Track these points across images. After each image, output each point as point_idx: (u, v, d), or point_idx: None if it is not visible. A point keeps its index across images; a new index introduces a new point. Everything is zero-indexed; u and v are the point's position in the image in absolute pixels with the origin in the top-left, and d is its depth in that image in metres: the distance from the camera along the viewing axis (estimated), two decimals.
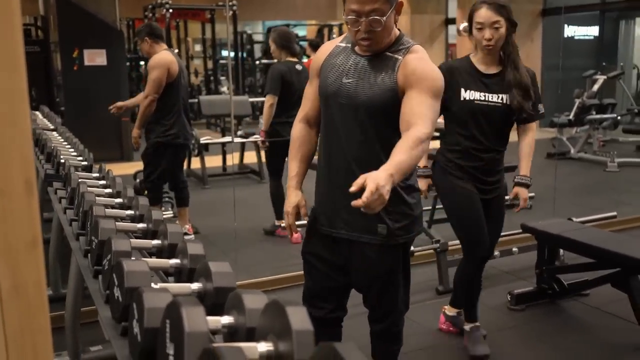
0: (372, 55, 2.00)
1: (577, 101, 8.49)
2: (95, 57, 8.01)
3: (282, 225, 4.53)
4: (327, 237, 2.13)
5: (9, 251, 0.80)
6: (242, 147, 7.57)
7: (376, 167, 1.71)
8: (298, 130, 2.20)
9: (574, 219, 4.12)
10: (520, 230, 3.79)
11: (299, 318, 1.05)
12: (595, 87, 8.91)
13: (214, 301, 1.33)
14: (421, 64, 1.95)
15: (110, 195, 2.42)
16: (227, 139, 7.49)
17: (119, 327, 1.35)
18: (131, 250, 1.55)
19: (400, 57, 1.96)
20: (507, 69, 2.74)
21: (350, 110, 1.99)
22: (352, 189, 1.61)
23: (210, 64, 13.63)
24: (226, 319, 1.18)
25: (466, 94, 2.74)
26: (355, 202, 1.59)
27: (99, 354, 2.79)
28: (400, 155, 1.74)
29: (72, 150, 3.57)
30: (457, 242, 4.23)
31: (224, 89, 13.39)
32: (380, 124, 1.96)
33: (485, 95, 2.73)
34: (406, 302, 2.23)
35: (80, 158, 3.41)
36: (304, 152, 2.18)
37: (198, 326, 0.98)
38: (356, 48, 2.04)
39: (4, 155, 0.78)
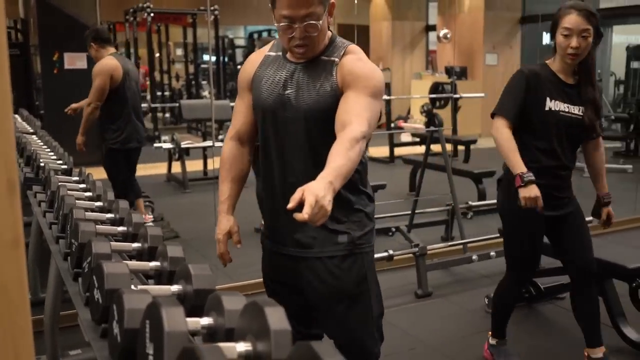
0: (307, 62, 1.86)
1: None
2: (76, 61, 7.96)
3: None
4: (283, 258, 1.98)
5: None
6: None
7: None
8: (228, 149, 2.02)
9: None
10: (498, 235, 3.84)
11: (277, 318, 1.07)
12: None
13: (194, 303, 1.35)
14: (358, 64, 1.82)
15: (90, 199, 2.42)
16: (208, 143, 7.49)
17: (98, 329, 1.36)
18: (111, 253, 1.56)
19: (336, 59, 1.84)
20: (584, 82, 2.61)
21: (293, 123, 1.85)
22: (290, 205, 1.49)
23: (191, 68, 13.61)
24: (205, 320, 1.19)
25: (551, 104, 2.57)
26: (297, 216, 1.47)
27: (78, 358, 2.78)
28: (338, 159, 1.61)
29: (52, 153, 3.56)
30: (437, 245, 4.30)
31: (205, 93, 13.38)
32: (326, 131, 1.78)
33: (568, 107, 2.58)
34: (379, 329, 2.01)
35: (60, 162, 3.40)
36: (235, 173, 2.01)
37: (178, 326, 0.99)
38: (288, 55, 1.90)
39: None
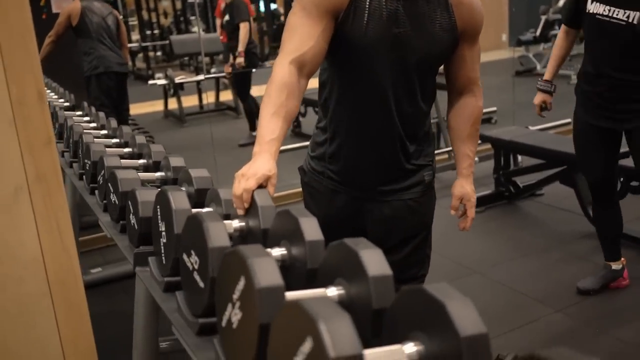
0: None
1: (543, 18, 8.67)
2: (63, 4, 7.98)
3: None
4: (354, 201, 1.73)
5: (31, 148, 1.05)
6: (217, 85, 7.72)
7: (419, 124, 1.67)
8: (287, 75, 1.47)
9: (530, 127, 4.41)
10: (480, 141, 4.07)
11: (264, 198, 1.32)
12: (561, 2, 9.06)
13: (196, 200, 1.57)
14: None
15: (95, 129, 2.65)
16: (201, 77, 7.63)
17: (117, 226, 1.62)
18: (121, 165, 1.80)
19: None
20: None
21: (401, 65, 1.56)
22: (453, 213, 1.72)
23: (179, 5, 13.51)
24: (206, 210, 1.44)
25: (591, 6, 2.36)
26: (463, 227, 1.73)
27: (99, 274, 3.07)
28: (472, 145, 1.72)
29: (53, 94, 3.76)
30: None
31: (195, 28, 13.33)
32: (430, 75, 1.64)
33: (609, 10, 2.30)
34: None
35: (62, 100, 3.61)
36: (290, 107, 1.46)
37: (182, 204, 1.24)
38: None
39: (19, 73, 1.01)
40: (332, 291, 0.97)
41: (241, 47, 5.75)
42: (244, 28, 5.68)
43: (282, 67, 1.48)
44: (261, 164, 1.35)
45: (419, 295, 0.82)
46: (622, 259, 2.76)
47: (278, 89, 1.46)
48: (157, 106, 7.73)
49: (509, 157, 3.79)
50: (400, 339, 0.83)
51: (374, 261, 0.94)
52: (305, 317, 0.73)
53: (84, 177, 2.09)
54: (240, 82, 6.06)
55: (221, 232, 1.07)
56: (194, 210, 1.38)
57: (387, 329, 0.88)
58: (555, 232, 3.34)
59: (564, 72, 8.14)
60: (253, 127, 6.02)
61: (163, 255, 1.28)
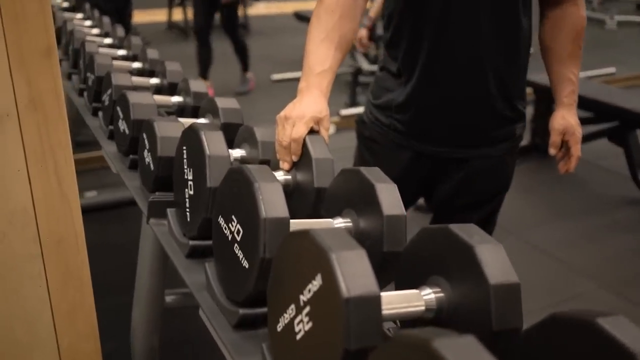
0: None
1: None
2: None
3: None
4: (426, 159, 1.40)
5: (23, 61, 0.74)
6: None
7: (521, 55, 1.31)
8: None
9: None
10: None
11: (319, 147, 1.03)
12: None
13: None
14: None
15: (99, 35, 2.31)
16: None
17: (126, 161, 1.32)
18: (132, 85, 1.49)
19: None
20: None
21: None
22: (553, 151, 1.38)
23: None
24: (238, 152, 1.15)
25: None
26: (565, 170, 1.40)
27: (94, 200, 2.80)
28: (574, 67, 1.37)
29: None
30: None
31: None
32: None
33: None
34: None
35: (59, 0, 3.23)
36: (345, 31, 1.19)
37: (219, 150, 0.95)
38: None
39: None
40: (427, 292, 0.71)
41: None
42: None
43: None
44: (309, 103, 1.09)
45: (580, 329, 0.56)
46: None
47: (329, 8, 1.19)
48: (159, 16, 7.27)
49: (550, 106, 3.47)
50: None
51: (497, 263, 0.68)
52: None
53: (84, 93, 1.77)
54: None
55: (279, 198, 0.78)
56: (232, 153, 1.10)
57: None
58: (597, 194, 3.07)
59: (598, 15, 7.72)
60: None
61: (187, 210, 1.00)
